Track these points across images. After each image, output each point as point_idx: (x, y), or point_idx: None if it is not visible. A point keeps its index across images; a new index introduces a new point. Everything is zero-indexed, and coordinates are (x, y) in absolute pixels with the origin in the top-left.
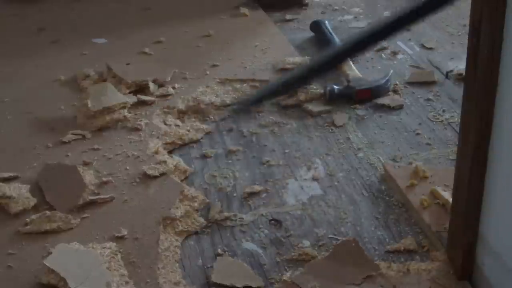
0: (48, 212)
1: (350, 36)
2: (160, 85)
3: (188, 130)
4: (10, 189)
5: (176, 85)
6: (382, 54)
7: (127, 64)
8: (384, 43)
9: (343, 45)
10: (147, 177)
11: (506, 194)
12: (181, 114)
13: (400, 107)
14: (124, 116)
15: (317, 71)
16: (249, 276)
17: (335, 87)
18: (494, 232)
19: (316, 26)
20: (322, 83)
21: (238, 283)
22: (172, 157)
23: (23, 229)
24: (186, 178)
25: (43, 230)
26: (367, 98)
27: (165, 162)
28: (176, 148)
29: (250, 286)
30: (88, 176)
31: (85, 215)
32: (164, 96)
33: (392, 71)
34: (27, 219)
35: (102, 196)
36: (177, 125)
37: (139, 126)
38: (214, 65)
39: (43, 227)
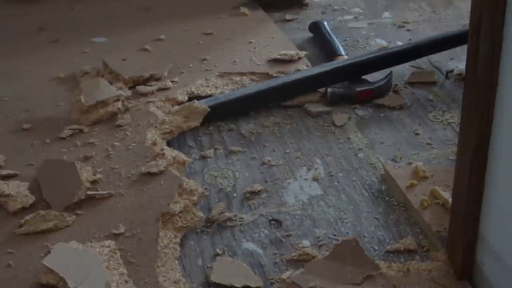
0: (42, 212)
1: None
2: (157, 79)
3: (186, 117)
4: (9, 187)
5: (174, 79)
6: None
7: (123, 59)
8: (384, 43)
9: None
10: (145, 171)
11: (506, 194)
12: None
13: (400, 107)
14: (118, 109)
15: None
16: (248, 276)
17: (336, 88)
18: (494, 232)
19: (315, 27)
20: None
21: (237, 283)
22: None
23: (18, 230)
24: (186, 174)
25: (39, 230)
26: (368, 99)
27: (163, 154)
28: (175, 144)
29: (249, 286)
30: (86, 173)
31: (83, 212)
32: (163, 89)
33: (392, 71)
34: (21, 220)
35: (100, 192)
36: (174, 114)
37: (135, 118)
38: (213, 60)
39: (39, 227)
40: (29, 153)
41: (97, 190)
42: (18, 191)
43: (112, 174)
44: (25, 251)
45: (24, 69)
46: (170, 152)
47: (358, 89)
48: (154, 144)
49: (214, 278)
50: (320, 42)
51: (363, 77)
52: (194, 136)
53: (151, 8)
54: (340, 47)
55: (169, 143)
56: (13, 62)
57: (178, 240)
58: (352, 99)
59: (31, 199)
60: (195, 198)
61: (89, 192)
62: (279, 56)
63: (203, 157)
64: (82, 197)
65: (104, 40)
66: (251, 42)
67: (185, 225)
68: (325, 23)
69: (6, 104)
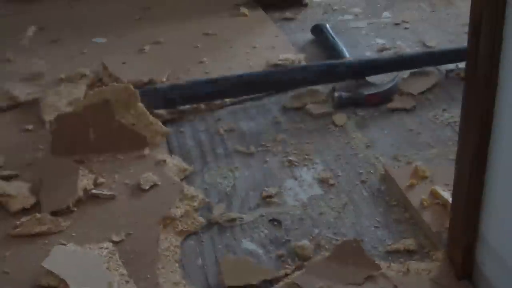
0: (38, 215)
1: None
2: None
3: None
4: (10, 187)
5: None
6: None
7: (123, 63)
8: (384, 43)
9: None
10: (146, 177)
11: (506, 193)
12: None
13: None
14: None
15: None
16: (259, 270)
17: (343, 93)
18: (494, 232)
19: (318, 30)
20: (330, 89)
21: (252, 280)
22: (171, 156)
23: (13, 231)
24: (185, 177)
25: (33, 233)
26: (376, 102)
27: (164, 161)
28: (176, 144)
29: (265, 279)
30: (86, 178)
31: (83, 214)
32: None
33: (399, 74)
34: (17, 222)
35: (103, 192)
36: None
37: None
38: (212, 64)
39: (33, 230)
40: (31, 154)
41: (98, 194)
42: (19, 191)
43: (115, 177)
44: (23, 253)
45: (24, 69)
46: (171, 160)
47: (366, 93)
48: None
49: (228, 282)
50: (323, 44)
51: (370, 80)
52: (193, 136)
53: (151, 8)
54: (344, 49)
55: (169, 143)
56: (13, 62)
57: (178, 243)
58: (360, 103)
59: (32, 199)
60: (195, 204)
61: (93, 191)
62: (280, 62)
63: (203, 157)
64: (71, 206)
65: (104, 41)
66: (251, 45)
67: (185, 229)
68: (328, 26)
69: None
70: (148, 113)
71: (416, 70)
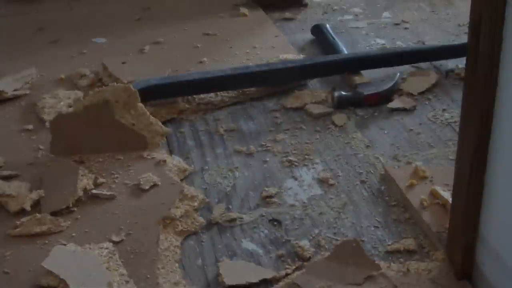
0: (38, 215)
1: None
2: None
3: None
4: (10, 188)
5: None
6: None
7: (123, 63)
8: (385, 43)
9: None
10: (146, 177)
11: (506, 193)
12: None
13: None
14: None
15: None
16: (258, 270)
17: (343, 93)
18: (494, 232)
19: (318, 30)
20: (329, 90)
21: (252, 278)
22: (172, 156)
23: (13, 231)
24: (185, 177)
25: (33, 233)
26: (376, 102)
27: (164, 161)
28: (175, 144)
29: (265, 278)
30: (86, 178)
31: (83, 214)
32: None
33: (399, 74)
34: (17, 222)
35: (103, 192)
36: None
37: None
38: (213, 65)
39: (33, 230)
40: (31, 155)
41: (98, 195)
42: (19, 191)
43: (113, 178)
44: (23, 253)
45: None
46: (170, 160)
47: (366, 93)
48: None
49: (228, 281)
50: (323, 45)
51: (370, 80)
52: (193, 136)
53: (151, 8)
54: (344, 49)
55: (169, 143)
56: (13, 63)
57: (178, 243)
58: (360, 103)
59: (32, 200)
60: (195, 204)
61: (93, 191)
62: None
63: (203, 157)
64: (71, 206)
65: (104, 41)
66: (251, 45)
67: (185, 229)
68: (328, 26)
69: (6, 104)
70: (148, 113)
71: (416, 69)
